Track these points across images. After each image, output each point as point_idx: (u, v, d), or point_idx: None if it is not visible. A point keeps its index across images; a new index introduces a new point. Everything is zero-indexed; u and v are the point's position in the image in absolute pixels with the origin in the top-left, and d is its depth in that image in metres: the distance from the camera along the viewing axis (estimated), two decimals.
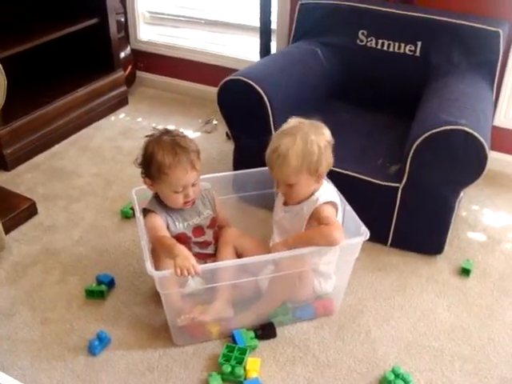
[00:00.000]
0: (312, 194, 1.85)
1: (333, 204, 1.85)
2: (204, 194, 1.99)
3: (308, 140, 1.75)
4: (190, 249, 1.82)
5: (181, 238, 1.88)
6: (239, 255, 1.96)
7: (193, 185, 1.85)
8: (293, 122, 1.83)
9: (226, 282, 1.82)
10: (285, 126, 1.83)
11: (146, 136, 1.88)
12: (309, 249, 1.77)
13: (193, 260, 1.66)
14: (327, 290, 1.96)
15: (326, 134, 1.81)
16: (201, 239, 1.95)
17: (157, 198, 1.91)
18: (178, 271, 1.63)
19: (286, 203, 1.94)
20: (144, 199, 2.01)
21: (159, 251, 1.81)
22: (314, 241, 1.77)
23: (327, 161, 1.80)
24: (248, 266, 1.85)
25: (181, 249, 1.71)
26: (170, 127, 1.92)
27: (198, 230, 1.95)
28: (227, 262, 1.84)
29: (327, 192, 1.88)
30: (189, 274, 1.63)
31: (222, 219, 2.05)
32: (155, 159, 1.79)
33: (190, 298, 1.86)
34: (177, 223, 1.90)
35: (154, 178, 1.84)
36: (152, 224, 1.85)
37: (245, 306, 1.92)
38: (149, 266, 1.67)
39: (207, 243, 1.97)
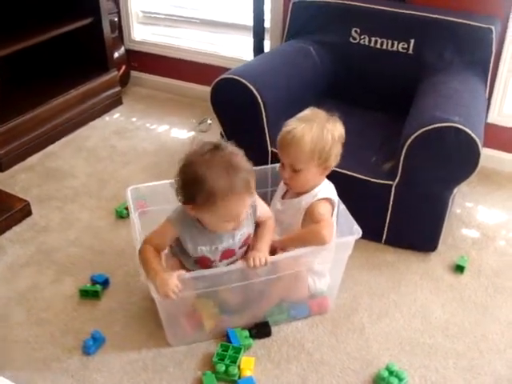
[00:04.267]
0: (312, 188, 1.86)
1: (330, 201, 1.85)
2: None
3: (324, 128, 1.77)
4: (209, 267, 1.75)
5: (201, 262, 1.75)
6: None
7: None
8: (310, 110, 1.85)
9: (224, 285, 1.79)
10: (302, 113, 1.84)
11: (188, 155, 1.59)
12: (304, 250, 1.78)
13: (174, 279, 1.60)
14: (322, 289, 1.97)
15: (340, 127, 1.83)
16: (227, 261, 1.78)
17: (186, 211, 1.66)
18: (162, 295, 1.60)
19: (284, 196, 1.94)
20: (139, 199, 2.01)
21: (140, 262, 1.70)
22: (305, 241, 1.77)
23: (336, 154, 1.82)
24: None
25: (160, 268, 1.65)
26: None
27: (228, 252, 1.76)
28: (222, 269, 1.75)
29: (327, 189, 1.88)
30: (175, 295, 1.59)
31: (261, 215, 1.81)
32: (203, 186, 1.52)
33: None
34: (199, 247, 1.71)
35: (200, 206, 1.58)
36: (158, 232, 1.72)
37: (242, 306, 1.91)
38: (143, 275, 1.68)
39: (232, 262, 1.79)
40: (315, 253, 1.82)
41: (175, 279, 1.61)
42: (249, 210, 1.72)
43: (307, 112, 1.86)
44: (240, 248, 1.78)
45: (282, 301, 1.94)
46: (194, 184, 1.54)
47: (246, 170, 1.57)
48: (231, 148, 1.59)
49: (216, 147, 1.57)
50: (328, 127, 1.78)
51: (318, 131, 1.77)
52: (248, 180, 1.56)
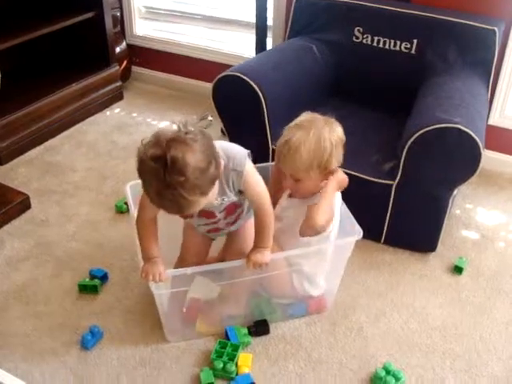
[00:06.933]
0: (318, 191, 1.82)
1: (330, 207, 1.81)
2: (228, 175, 1.59)
3: (321, 136, 1.72)
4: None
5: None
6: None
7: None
8: (306, 116, 1.80)
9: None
10: (298, 120, 1.79)
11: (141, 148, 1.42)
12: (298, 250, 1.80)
13: (161, 267, 1.64)
14: (310, 293, 1.94)
15: (338, 130, 1.78)
16: (208, 221, 1.74)
17: None
18: (143, 275, 1.64)
19: (291, 195, 1.91)
20: (138, 194, 2.00)
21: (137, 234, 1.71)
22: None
23: (337, 158, 1.78)
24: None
25: (153, 253, 1.66)
26: (165, 123, 1.41)
27: (207, 213, 1.69)
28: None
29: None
30: (153, 280, 1.63)
31: (253, 200, 1.70)
32: (143, 186, 1.45)
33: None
34: None
35: None
36: (143, 199, 1.62)
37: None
38: (142, 265, 1.67)
39: (217, 230, 1.80)
40: (308, 255, 1.83)
41: (159, 267, 1.64)
42: (232, 176, 1.59)
43: (304, 118, 1.79)
44: (221, 212, 1.69)
45: (270, 297, 1.95)
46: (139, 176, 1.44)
47: (181, 192, 1.35)
48: (178, 156, 1.34)
49: (161, 159, 1.34)
50: (325, 135, 1.72)
51: (315, 140, 1.71)
52: (178, 202, 1.38)
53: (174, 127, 1.41)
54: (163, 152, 1.34)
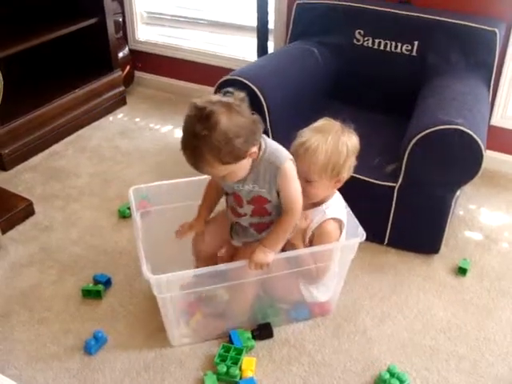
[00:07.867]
0: (323, 201, 1.83)
1: (339, 221, 1.82)
2: (266, 167, 1.64)
3: (339, 140, 1.74)
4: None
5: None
6: None
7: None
8: (325, 121, 1.81)
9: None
10: (316, 124, 1.80)
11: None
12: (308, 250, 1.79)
13: (192, 225, 1.84)
14: (318, 299, 1.94)
15: (354, 139, 1.79)
16: (235, 205, 1.76)
17: None
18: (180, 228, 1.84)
19: None
20: (142, 199, 2.01)
21: None
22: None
23: (350, 166, 1.79)
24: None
25: (199, 213, 1.86)
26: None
27: (236, 197, 1.74)
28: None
29: (336, 205, 1.85)
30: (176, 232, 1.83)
31: (284, 202, 1.70)
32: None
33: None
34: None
35: None
36: None
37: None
38: (145, 269, 1.65)
39: (240, 225, 1.81)
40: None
41: (190, 232, 1.86)
42: (267, 169, 1.63)
43: (322, 122, 1.81)
44: (248, 204, 1.72)
45: (276, 301, 1.94)
46: None
47: (202, 145, 1.47)
48: (216, 111, 1.46)
49: (201, 110, 1.47)
50: (343, 139, 1.75)
51: (334, 143, 1.73)
52: (196, 155, 1.50)
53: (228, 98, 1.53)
54: (206, 106, 1.47)
